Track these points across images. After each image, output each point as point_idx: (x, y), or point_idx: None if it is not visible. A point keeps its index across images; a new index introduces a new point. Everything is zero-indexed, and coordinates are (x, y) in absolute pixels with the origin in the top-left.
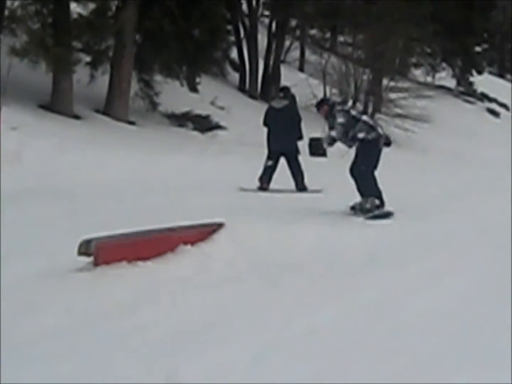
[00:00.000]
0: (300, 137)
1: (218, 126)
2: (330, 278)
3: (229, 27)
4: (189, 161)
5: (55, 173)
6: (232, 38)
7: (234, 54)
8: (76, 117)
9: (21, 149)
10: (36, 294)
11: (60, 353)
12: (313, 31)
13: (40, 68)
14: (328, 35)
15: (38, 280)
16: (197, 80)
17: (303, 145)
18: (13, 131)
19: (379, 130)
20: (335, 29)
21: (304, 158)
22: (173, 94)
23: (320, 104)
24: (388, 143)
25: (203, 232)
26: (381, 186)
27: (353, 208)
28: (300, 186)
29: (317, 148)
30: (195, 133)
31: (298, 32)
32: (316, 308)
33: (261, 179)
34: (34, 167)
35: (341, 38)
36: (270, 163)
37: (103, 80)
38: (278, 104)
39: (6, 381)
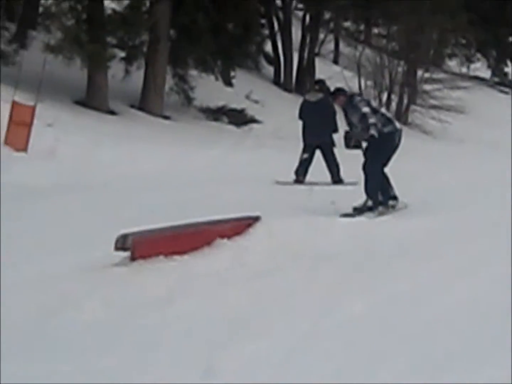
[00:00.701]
0: (336, 130)
1: (253, 120)
2: (365, 270)
3: (263, 20)
4: (225, 155)
5: (91, 169)
6: (266, 32)
7: (268, 47)
8: (112, 112)
9: (57, 145)
10: (75, 288)
11: (98, 347)
12: (347, 24)
13: (75, 64)
14: (362, 27)
15: (76, 275)
16: (232, 74)
17: (338, 137)
18: (49, 127)
19: (397, 124)
20: (369, 21)
21: (340, 151)
22: (208, 89)
23: (336, 94)
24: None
25: (240, 226)
26: (392, 182)
27: (355, 209)
28: (336, 179)
29: (352, 141)
30: (230, 127)
31: (332, 25)
32: (352, 298)
33: (297, 172)
34: (70, 162)
35: (375, 30)
36: (305, 156)
37: (138, 75)
38: (313, 97)
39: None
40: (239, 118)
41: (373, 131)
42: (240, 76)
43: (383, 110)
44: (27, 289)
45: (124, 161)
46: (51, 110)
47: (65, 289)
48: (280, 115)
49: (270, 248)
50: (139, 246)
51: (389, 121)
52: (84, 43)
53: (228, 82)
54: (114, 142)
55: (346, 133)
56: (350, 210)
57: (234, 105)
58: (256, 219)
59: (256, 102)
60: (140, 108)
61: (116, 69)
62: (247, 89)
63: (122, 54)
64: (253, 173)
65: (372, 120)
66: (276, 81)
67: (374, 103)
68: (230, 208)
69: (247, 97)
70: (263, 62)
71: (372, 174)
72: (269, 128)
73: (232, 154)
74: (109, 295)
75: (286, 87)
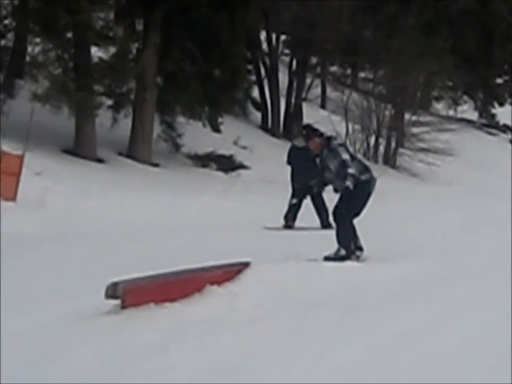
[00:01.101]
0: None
1: (241, 166)
2: (357, 314)
3: (250, 66)
4: (213, 201)
5: (80, 217)
6: (253, 78)
7: (255, 93)
8: (100, 160)
9: (45, 194)
10: (64, 337)
11: None
12: (333, 68)
13: (62, 112)
14: (348, 71)
15: (66, 324)
16: (220, 120)
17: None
18: (36, 176)
19: (373, 172)
20: (356, 65)
21: (328, 195)
22: (196, 135)
23: (310, 136)
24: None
25: (230, 272)
26: (358, 233)
27: (327, 258)
28: (325, 223)
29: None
30: (219, 173)
31: (319, 69)
32: (344, 345)
33: (286, 217)
34: (58, 211)
35: (362, 74)
36: (294, 201)
37: (125, 123)
38: (301, 142)
39: None
40: (227, 164)
41: (349, 183)
42: (227, 122)
43: (359, 157)
44: (16, 339)
45: (112, 209)
46: (39, 159)
47: (55, 338)
48: (268, 161)
49: (260, 294)
50: (130, 294)
51: (366, 169)
52: (72, 91)
53: (216, 128)
54: (102, 190)
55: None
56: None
57: (222, 151)
58: (246, 265)
59: (244, 148)
60: (128, 156)
61: (103, 117)
62: (235, 135)
63: (110, 102)
64: (242, 219)
65: (351, 170)
66: (263, 127)
67: (350, 149)
68: (220, 254)
69: (235, 143)
70: (251, 108)
71: (345, 223)
72: (258, 173)
73: (221, 200)
74: (100, 344)
75: (273, 133)
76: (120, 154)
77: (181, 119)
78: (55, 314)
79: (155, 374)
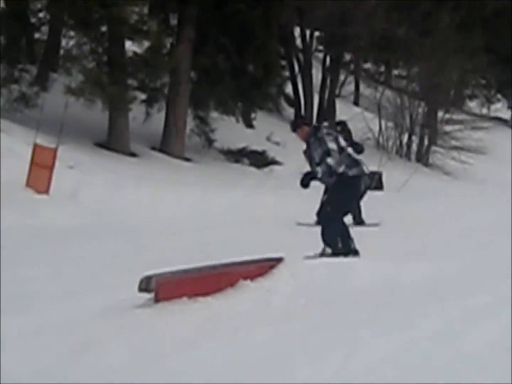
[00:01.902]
0: None
1: (274, 162)
2: (389, 311)
3: (284, 62)
4: (246, 196)
5: (112, 211)
6: (287, 73)
7: (288, 89)
8: (133, 154)
9: (78, 187)
10: (98, 331)
11: None
12: (367, 65)
13: (96, 106)
14: (382, 68)
15: (99, 317)
16: (253, 115)
17: None
18: (70, 169)
19: (364, 167)
20: (390, 63)
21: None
22: (229, 130)
23: (297, 124)
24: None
25: (263, 267)
26: (352, 234)
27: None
28: (358, 220)
29: (373, 182)
30: (252, 168)
31: (352, 66)
32: (377, 341)
33: (318, 213)
34: (91, 205)
35: (395, 71)
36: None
37: (159, 118)
38: None
39: None
40: (260, 159)
41: (319, 169)
42: (260, 118)
43: (350, 150)
44: (50, 332)
45: (145, 203)
46: (73, 152)
47: (88, 332)
48: (301, 157)
49: (293, 290)
50: (163, 288)
51: (355, 163)
52: (105, 85)
53: (249, 124)
54: (135, 184)
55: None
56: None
57: (255, 147)
58: (279, 260)
59: (277, 143)
60: (161, 150)
61: (137, 111)
62: (268, 130)
63: (143, 96)
64: (275, 214)
65: (330, 160)
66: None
67: (343, 141)
68: (253, 249)
69: (268, 138)
70: (284, 104)
71: (330, 222)
72: (290, 169)
73: (254, 196)
74: (133, 337)
75: None
76: (153, 148)
77: (214, 114)
78: (88, 307)
79: (187, 368)
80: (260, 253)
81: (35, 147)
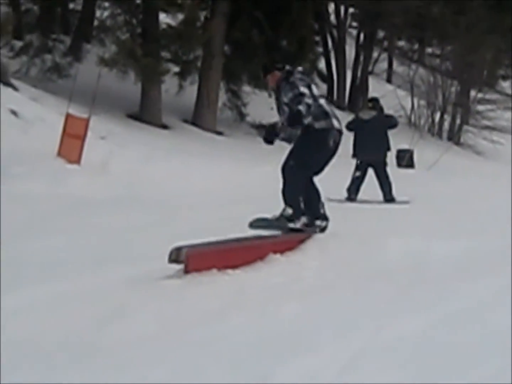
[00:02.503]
0: (389, 148)
1: None
2: (419, 288)
3: (317, 38)
4: (277, 171)
5: (143, 182)
6: (320, 49)
7: (322, 65)
8: (164, 126)
9: (109, 158)
10: (126, 300)
11: (149, 359)
12: (401, 43)
13: (129, 78)
14: (416, 46)
15: (128, 287)
16: None
17: (390, 156)
18: (101, 140)
19: (335, 121)
20: (423, 41)
21: (392, 169)
22: (261, 105)
23: (268, 69)
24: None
25: (292, 242)
26: (322, 198)
27: (265, 220)
28: (388, 197)
29: (405, 160)
30: (283, 143)
31: (386, 44)
32: (405, 317)
33: (349, 189)
34: (122, 176)
35: (429, 50)
36: (358, 174)
37: (191, 90)
38: (367, 115)
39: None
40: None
41: (301, 107)
42: None
43: (322, 101)
44: (78, 300)
45: (176, 175)
46: (105, 123)
47: (117, 301)
48: None
49: (323, 264)
50: (193, 259)
51: (325, 115)
52: (139, 57)
53: None
54: (166, 157)
55: (399, 152)
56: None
57: None
58: (309, 235)
59: None
60: (193, 123)
61: (170, 83)
62: None
63: (176, 68)
64: None
65: (301, 107)
66: (329, 99)
67: (317, 91)
68: None
69: None
70: (317, 80)
71: (293, 178)
72: None
73: None
74: (161, 308)
75: (339, 105)
76: (185, 121)
77: (246, 88)
78: (117, 277)
79: (214, 340)
80: None
81: (68, 117)
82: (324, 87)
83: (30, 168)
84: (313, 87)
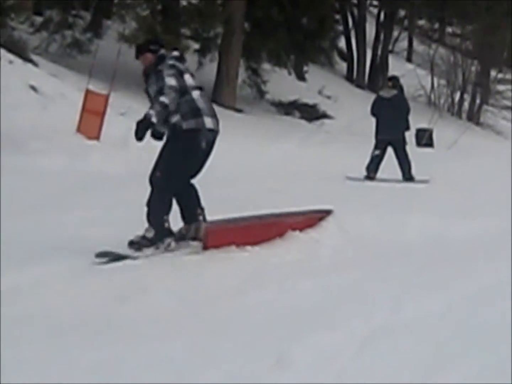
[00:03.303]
0: (408, 127)
1: (325, 115)
2: (438, 266)
3: (338, 16)
4: (296, 149)
5: None
6: (340, 28)
7: (342, 43)
8: None
9: (129, 135)
10: (145, 276)
11: (167, 334)
12: (421, 22)
13: None
14: (436, 25)
15: (147, 262)
16: (305, 68)
17: (410, 135)
18: (121, 116)
19: (207, 119)
20: (444, 20)
21: (411, 148)
22: (281, 83)
23: (140, 49)
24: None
25: (312, 219)
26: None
27: (131, 243)
28: (407, 176)
29: (424, 139)
30: (302, 121)
31: (406, 23)
32: (424, 295)
33: (368, 168)
34: (141, 152)
35: (449, 29)
36: (377, 152)
37: (211, 68)
38: (387, 93)
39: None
40: (311, 113)
41: (152, 112)
42: (313, 71)
43: (196, 94)
44: (98, 275)
45: None
46: (124, 99)
47: (136, 276)
48: (352, 111)
49: (342, 242)
50: (212, 236)
51: (196, 112)
52: (159, 33)
53: (301, 77)
54: None
55: (418, 131)
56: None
57: (306, 100)
58: (328, 212)
59: (328, 97)
60: (213, 100)
61: (189, 60)
62: (320, 84)
63: (196, 46)
64: (324, 168)
65: (164, 98)
66: (348, 77)
67: (194, 81)
68: (301, 201)
69: (320, 92)
70: (337, 58)
71: (160, 194)
72: (341, 123)
73: (303, 148)
74: (180, 283)
75: (358, 83)
76: None
77: (266, 66)
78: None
79: (232, 316)
80: (308, 205)
81: (87, 93)
82: (344, 65)
83: (50, 143)
84: (188, 76)
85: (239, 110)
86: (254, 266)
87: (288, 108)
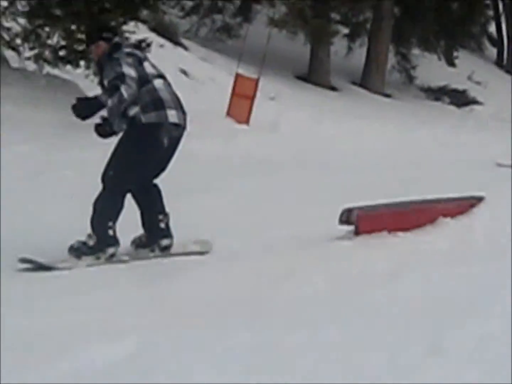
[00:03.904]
0: None
1: (474, 101)
2: None
3: (488, 1)
4: (445, 135)
5: (311, 144)
6: (490, 12)
7: (492, 28)
8: (333, 88)
9: (279, 119)
10: (296, 260)
11: (319, 319)
12: None
13: (298, 39)
14: None
15: (298, 247)
16: (455, 54)
17: None
18: (271, 101)
19: (171, 112)
20: None
21: None
22: (430, 68)
23: (92, 39)
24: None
25: (463, 206)
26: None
27: (71, 248)
28: None
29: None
30: (451, 107)
31: None
32: None
33: None
34: (291, 137)
35: None
36: None
37: (360, 53)
38: None
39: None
40: (460, 98)
41: (110, 101)
42: (462, 57)
43: (158, 83)
44: (253, 258)
45: (344, 137)
46: (273, 84)
47: (287, 261)
48: (502, 97)
49: (494, 229)
50: (364, 221)
51: (158, 103)
52: (308, 18)
53: (451, 62)
54: (334, 118)
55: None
56: None
57: (455, 86)
58: (480, 199)
59: (478, 83)
60: (361, 85)
61: (339, 45)
62: (469, 70)
63: (346, 30)
64: (474, 154)
65: (124, 89)
66: (498, 63)
67: (155, 70)
68: (451, 187)
69: (469, 78)
70: (486, 43)
71: (109, 196)
72: (491, 110)
73: (453, 134)
74: (333, 268)
75: (508, 69)
76: (353, 83)
77: (416, 51)
78: (288, 237)
79: (386, 302)
80: (459, 191)
81: (237, 77)
82: (493, 51)
83: (200, 127)
84: (147, 65)
85: (387, 95)
86: (406, 253)
87: (437, 93)
